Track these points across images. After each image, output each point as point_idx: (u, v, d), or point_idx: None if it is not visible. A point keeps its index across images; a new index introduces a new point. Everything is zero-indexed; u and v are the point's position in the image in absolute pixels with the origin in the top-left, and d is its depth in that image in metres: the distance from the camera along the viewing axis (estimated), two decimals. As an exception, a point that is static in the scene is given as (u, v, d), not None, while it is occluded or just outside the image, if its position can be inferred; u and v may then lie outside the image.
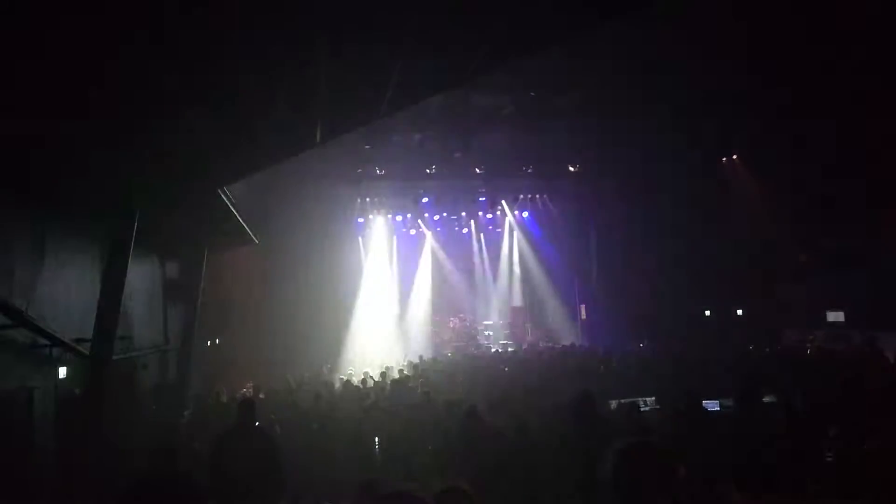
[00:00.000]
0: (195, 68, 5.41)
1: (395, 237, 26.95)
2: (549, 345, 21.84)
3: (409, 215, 26.04)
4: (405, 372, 14.43)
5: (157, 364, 13.89)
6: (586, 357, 15.54)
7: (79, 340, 8.86)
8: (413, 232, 27.03)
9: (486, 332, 25.81)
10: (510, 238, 27.63)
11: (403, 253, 27.21)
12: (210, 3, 4.40)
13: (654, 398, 10.47)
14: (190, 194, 9.91)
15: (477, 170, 21.69)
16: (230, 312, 18.19)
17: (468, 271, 27.66)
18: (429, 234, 27.32)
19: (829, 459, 5.25)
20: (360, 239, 26.09)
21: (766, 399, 9.11)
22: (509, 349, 21.47)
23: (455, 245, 27.76)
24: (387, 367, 15.29)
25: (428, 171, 21.59)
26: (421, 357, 17.64)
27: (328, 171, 19.94)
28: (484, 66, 6.33)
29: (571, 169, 22.76)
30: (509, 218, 27.23)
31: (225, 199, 10.99)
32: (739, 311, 19.93)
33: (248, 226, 13.85)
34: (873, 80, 12.88)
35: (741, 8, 11.91)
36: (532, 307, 26.81)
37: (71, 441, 8.43)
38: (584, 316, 24.86)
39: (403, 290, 26.65)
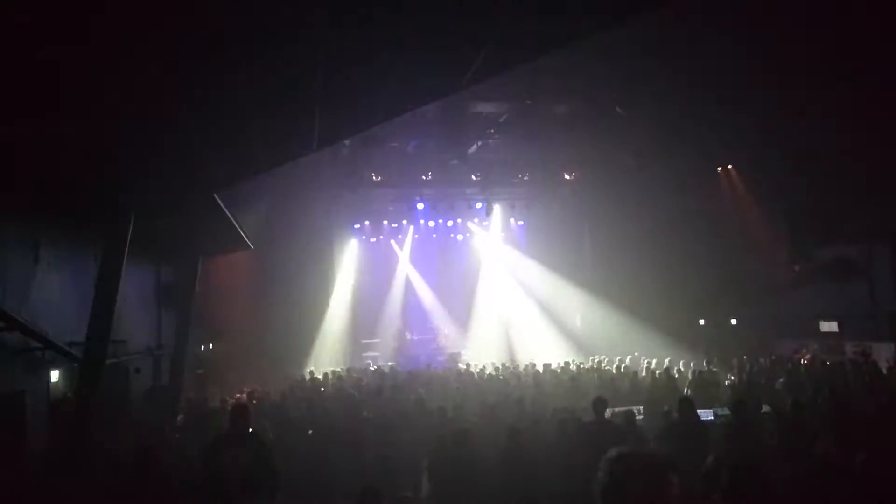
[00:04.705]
0: (193, 74, 5.41)
1: (390, 243, 27.01)
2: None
3: (404, 222, 26.08)
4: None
5: (151, 368, 13.84)
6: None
7: (72, 344, 8.82)
8: (408, 238, 27.08)
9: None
10: (505, 245, 27.67)
11: (398, 259, 27.25)
12: (207, 5, 4.40)
13: (642, 407, 10.47)
14: (185, 198, 9.88)
15: (473, 177, 21.71)
16: (224, 317, 18.14)
17: (463, 279, 27.69)
18: (424, 240, 27.36)
19: (820, 469, 5.25)
20: (355, 244, 26.16)
21: (761, 409, 9.13)
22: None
23: (450, 252, 27.81)
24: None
25: (424, 177, 21.59)
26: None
27: (324, 176, 19.94)
28: (481, 71, 6.33)
29: (567, 177, 22.81)
30: (505, 225, 27.27)
31: (220, 203, 10.96)
32: (734, 321, 19.96)
33: (243, 231, 13.83)
34: (871, 89, 12.94)
35: (739, 18, 11.97)
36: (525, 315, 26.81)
37: (63, 444, 8.37)
38: (578, 325, 24.85)
39: (397, 295, 26.71)
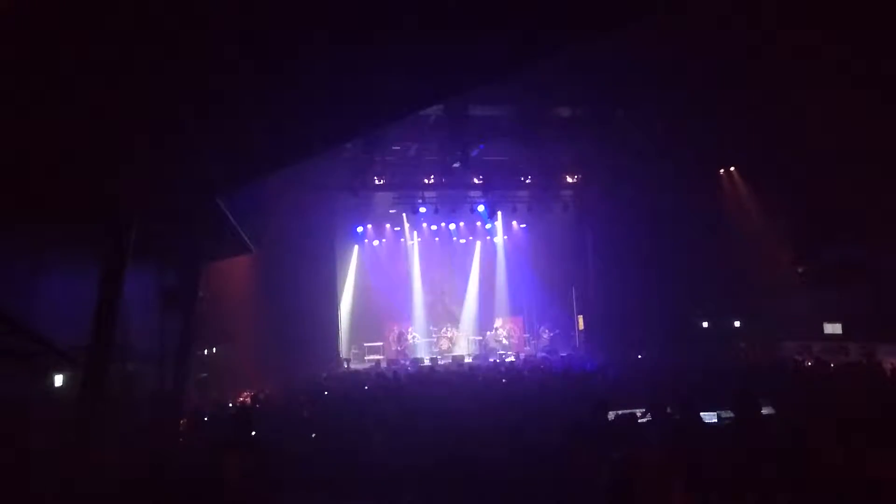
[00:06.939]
0: (194, 74, 5.42)
1: (392, 246, 27.04)
2: (544, 355, 21.88)
3: (406, 225, 26.12)
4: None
5: (154, 372, 13.82)
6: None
7: (75, 348, 8.81)
8: (411, 242, 27.09)
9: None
10: (508, 248, 27.69)
11: (400, 262, 27.26)
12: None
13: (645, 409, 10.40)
14: (187, 202, 9.89)
15: (475, 180, 21.73)
16: (227, 321, 18.13)
17: (465, 281, 27.70)
18: (426, 243, 27.37)
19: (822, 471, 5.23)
20: (357, 247, 26.21)
21: (765, 411, 9.08)
22: (507, 360, 21.37)
23: (452, 255, 27.83)
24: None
25: (426, 180, 21.64)
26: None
27: (326, 179, 19.97)
28: (485, 74, 6.34)
29: (570, 180, 22.82)
30: (507, 228, 27.29)
31: (223, 207, 10.96)
32: (737, 323, 19.90)
33: (245, 235, 13.83)
34: (872, 90, 12.92)
35: (740, 21, 11.98)
36: (529, 318, 26.83)
37: (66, 449, 8.36)
38: (581, 326, 24.83)
39: (400, 297, 26.73)
